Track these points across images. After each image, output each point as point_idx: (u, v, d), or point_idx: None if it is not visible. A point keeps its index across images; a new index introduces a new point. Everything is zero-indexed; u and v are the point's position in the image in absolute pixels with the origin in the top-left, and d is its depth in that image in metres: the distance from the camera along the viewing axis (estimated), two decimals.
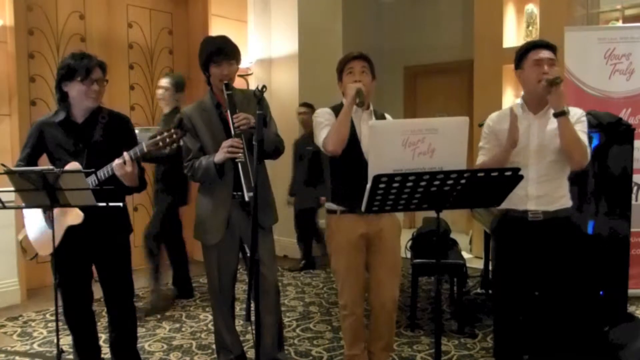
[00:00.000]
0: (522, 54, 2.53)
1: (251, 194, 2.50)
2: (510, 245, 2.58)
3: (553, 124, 2.44)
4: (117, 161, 2.37)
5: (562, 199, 2.52)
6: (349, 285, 2.67)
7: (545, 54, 2.47)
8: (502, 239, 2.65)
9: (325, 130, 2.59)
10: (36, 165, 2.53)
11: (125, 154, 2.36)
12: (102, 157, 2.41)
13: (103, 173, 2.39)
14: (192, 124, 2.74)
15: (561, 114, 2.36)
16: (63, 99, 2.51)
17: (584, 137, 2.44)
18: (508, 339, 2.67)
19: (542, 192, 2.46)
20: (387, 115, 2.79)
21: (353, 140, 2.58)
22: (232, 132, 2.59)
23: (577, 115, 2.48)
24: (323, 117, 2.64)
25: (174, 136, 2.37)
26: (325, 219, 2.83)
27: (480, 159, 2.60)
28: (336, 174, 2.65)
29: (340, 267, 2.69)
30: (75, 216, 2.43)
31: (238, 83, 5.17)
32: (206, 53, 2.70)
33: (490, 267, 3.86)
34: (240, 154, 2.56)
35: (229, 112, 2.61)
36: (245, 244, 2.78)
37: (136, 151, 2.37)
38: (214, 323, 2.99)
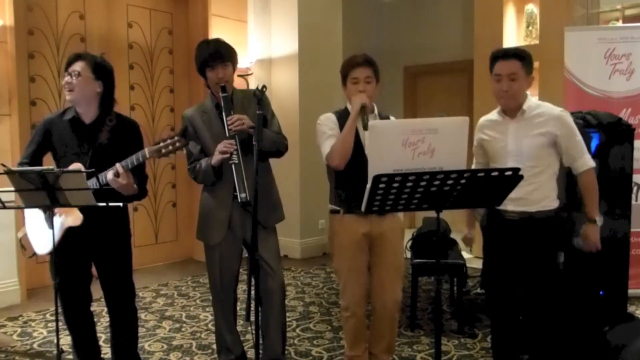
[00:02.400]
0: (490, 62, 2.55)
1: (244, 195, 2.51)
2: (493, 240, 2.67)
3: (531, 130, 2.48)
4: (109, 175, 2.35)
5: (543, 200, 2.54)
6: (351, 285, 2.66)
7: (506, 67, 2.47)
8: (487, 234, 2.73)
9: (329, 141, 2.57)
10: (40, 163, 2.53)
11: (117, 165, 2.35)
12: (106, 159, 2.40)
13: (102, 178, 2.39)
14: (193, 126, 2.74)
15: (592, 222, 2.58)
16: None
17: (580, 140, 2.52)
18: (503, 337, 2.68)
19: (519, 194, 2.40)
20: (392, 117, 2.77)
21: (357, 147, 2.56)
22: (227, 133, 2.60)
23: (559, 122, 2.49)
24: (327, 127, 2.62)
25: (177, 144, 2.37)
26: (327, 219, 2.83)
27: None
28: (339, 177, 2.64)
29: (342, 267, 2.68)
30: (74, 218, 2.42)
31: (238, 83, 5.20)
32: (201, 58, 2.70)
33: None
34: (233, 156, 2.56)
35: (224, 114, 2.62)
36: (248, 244, 2.78)
37: (132, 160, 2.36)
38: (215, 323, 2.99)
